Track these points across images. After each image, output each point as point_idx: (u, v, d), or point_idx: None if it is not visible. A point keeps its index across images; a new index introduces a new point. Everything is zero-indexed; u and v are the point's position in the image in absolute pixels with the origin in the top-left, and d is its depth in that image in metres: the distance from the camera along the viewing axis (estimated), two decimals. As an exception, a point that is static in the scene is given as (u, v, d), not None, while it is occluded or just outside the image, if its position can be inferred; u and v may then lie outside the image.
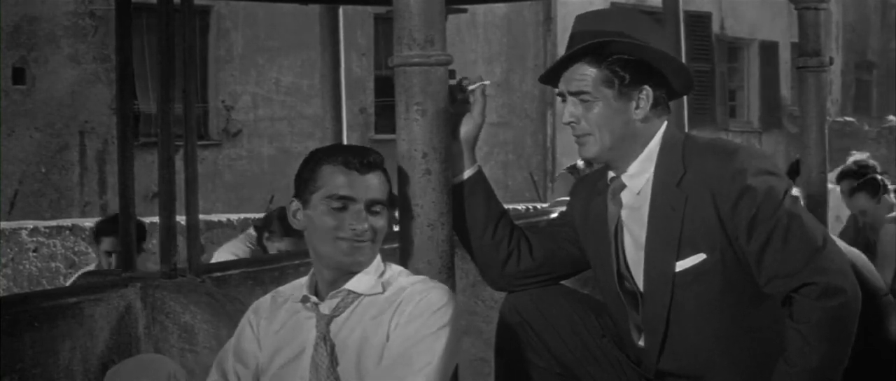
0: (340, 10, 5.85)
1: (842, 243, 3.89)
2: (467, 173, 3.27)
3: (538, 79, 3.47)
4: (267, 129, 15.81)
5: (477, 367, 4.15)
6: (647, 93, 3.16)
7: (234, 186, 15.38)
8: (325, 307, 2.93)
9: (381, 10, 12.78)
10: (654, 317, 3.17)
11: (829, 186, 7.84)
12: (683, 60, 4.66)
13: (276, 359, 2.94)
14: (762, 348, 3.13)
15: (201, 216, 5.40)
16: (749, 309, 3.13)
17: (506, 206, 3.42)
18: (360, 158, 2.90)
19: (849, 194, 7.69)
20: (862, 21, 26.15)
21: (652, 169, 3.18)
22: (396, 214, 3.05)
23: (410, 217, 3.08)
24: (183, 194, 4.36)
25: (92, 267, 7.10)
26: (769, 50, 22.71)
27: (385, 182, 2.93)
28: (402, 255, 3.10)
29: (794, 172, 7.70)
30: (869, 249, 7.15)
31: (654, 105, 3.17)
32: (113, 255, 6.54)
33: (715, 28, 21.53)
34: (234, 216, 10.58)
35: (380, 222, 2.91)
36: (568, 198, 3.48)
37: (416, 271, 3.04)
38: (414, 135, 3.06)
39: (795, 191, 4.54)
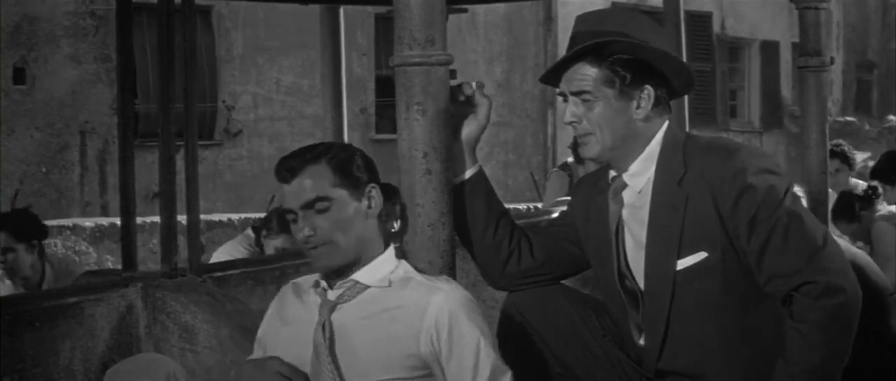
0: (341, 10, 5.85)
1: (846, 243, 3.90)
2: (468, 173, 3.27)
3: (539, 79, 3.47)
4: (267, 129, 15.80)
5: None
6: (648, 92, 3.17)
7: (235, 186, 15.38)
8: (333, 294, 2.99)
9: (382, 9, 12.77)
10: (655, 316, 3.17)
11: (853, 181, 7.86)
12: (684, 60, 4.66)
13: (282, 338, 3.04)
14: (763, 347, 3.13)
15: (202, 216, 5.39)
16: (750, 308, 3.13)
17: (506, 206, 3.42)
18: (281, 168, 2.95)
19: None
20: (863, 21, 26.14)
21: (653, 168, 3.18)
22: (372, 196, 3.02)
23: (411, 217, 3.08)
24: (184, 193, 4.36)
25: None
26: (770, 50, 22.71)
27: (325, 172, 2.93)
28: (403, 255, 3.10)
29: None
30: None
31: (656, 104, 3.18)
32: (7, 254, 6.14)
33: (716, 28, 21.52)
34: (234, 216, 10.58)
35: (329, 219, 2.92)
36: (565, 197, 3.48)
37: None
38: (414, 135, 3.06)
39: (798, 190, 4.55)
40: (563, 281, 3.40)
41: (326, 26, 5.87)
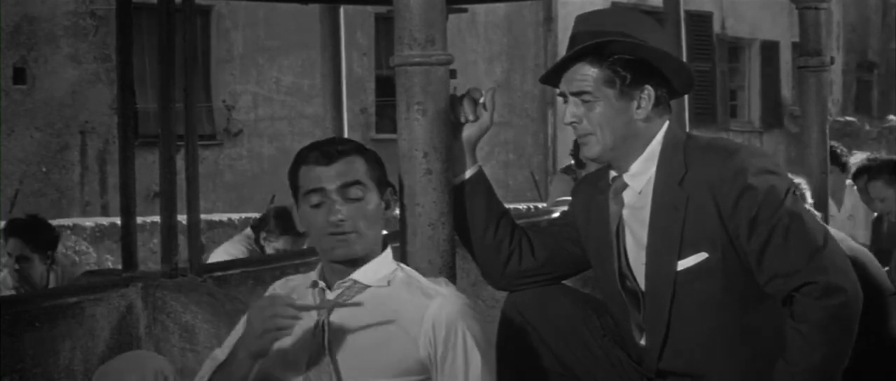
0: (341, 10, 5.85)
1: (850, 242, 3.90)
2: (468, 173, 3.27)
3: (539, 79, 3.47)
4: (267, 128, 15.81)
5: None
6: (648, 92, 3.16)
7: (235, 186, 15.39)
8: (332, 294, 2.98)
9: (382, 9, 12.78)
10: (656, 316, 3.17)
11: (847, 182, 7.88)
12: (684, 60, 4.66)
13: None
14: (763, 347, 3.13)
15: (202, 216, 5.39)
16: (750, 308, 3.13)
17: (507, 205, 3.42)
18: (325, 149, 2.96)
19: (866, 184, 7.64)
20: (863, 21, 26.14)
21: (654, 169, 3.18)
22: (390, 199, 3.05)
23: (411, 217, 3.08)
24: (184, 193, 4.36)
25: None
26: (770, 50, 22.72)
27: (362, 164, 2.96)
28: (403, 255, 3.10)
29: None
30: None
31: (656, 104, 3.18)
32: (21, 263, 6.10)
33: (716, 28, 21.53)
34: (234, 216, 10.58)
35: (360, 209, 2.93)
36: (567, 198, 3.48)
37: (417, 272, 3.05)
38: (415, 134, 3.06)
39: (803, 183, 4.53)
40: (563, 281, 3.40)
41: (326, 26, 5.86)
